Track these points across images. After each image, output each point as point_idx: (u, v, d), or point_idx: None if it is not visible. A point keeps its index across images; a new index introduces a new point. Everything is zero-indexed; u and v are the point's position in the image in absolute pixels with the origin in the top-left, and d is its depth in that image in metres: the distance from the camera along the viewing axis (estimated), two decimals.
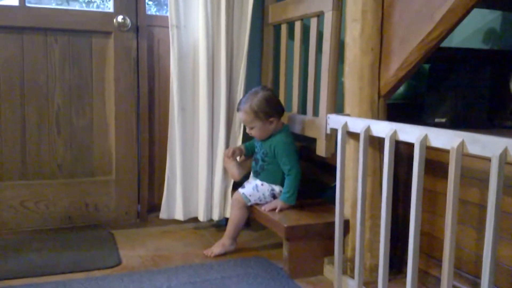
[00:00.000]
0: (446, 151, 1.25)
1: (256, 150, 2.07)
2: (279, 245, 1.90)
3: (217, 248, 1.97)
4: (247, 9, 2.16)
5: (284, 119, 2.10)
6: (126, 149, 2.23)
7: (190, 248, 2.04)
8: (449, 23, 1.45)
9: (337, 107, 1.89)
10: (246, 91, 2.13)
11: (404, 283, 1.40)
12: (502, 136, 1.13)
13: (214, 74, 2.14)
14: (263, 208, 1.93)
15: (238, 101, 2.17)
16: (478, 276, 1.42)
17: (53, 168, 2.16)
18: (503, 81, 2.02)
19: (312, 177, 2.22)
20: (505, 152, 1.11)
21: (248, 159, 2.14)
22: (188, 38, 2.12)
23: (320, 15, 1.93)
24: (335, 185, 1.71)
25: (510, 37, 2.44)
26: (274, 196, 1.99)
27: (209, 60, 2.11)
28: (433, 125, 1.47)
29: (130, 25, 2.16)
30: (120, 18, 2.14)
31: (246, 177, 2.13)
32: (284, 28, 2.23)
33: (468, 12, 1.42)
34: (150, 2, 2.64)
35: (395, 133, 1.42)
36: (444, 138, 1.27)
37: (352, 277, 1.66)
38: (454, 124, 1.84)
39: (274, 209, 1.91)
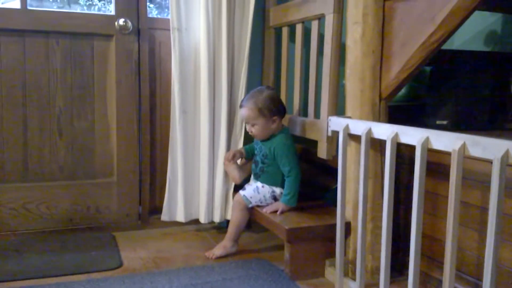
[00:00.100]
0: (448, 153, 1.26)
1: (255, 152, 2.07)
2: (280, 247, 1.90)
3: (218, 250, 1.97)
4: (248, 12, 2.16)
5: (285, 121, 2.11)
6: (128, 151, 2.24)
7: (192, 250, 2.04)
8: (450, 26, 1.45)
9: (338, 110, 1.89)
10: (247, 93, 2.14)
11: (406, 285, 1.40)
12: (504, 139, 1.13)
13: (215, 77, 2.14)
14: (264, 210, 1.93)
15: (239, 104, 2.18)
16: (479, 278, 1.42)
17: (55, 170, 2.16)
18: (504, 83, 2.03)
19: (313, 179, 2.22)
20: (506, 154, 1.11)
21: (249, 162, 2.14)
22: (189, 41, 2.12)
23: (321, 18, 1.94)
24: (336, 187, 1.72)
25: (511, 39, 2.45)
26: (275, 198, 1.99)
27: (210, 63, 2.11)
28: (434, 127, 1.47)
29: (131, 28, 2.16)
30: (121, 21, 2.14)
31: (247, 180, 2.13)
32: (285, 31, 2.24)
33: (469, 14, 1.42)
34: (151, 5, 2.65)
35: (396, 135, 1.42)
36: (445, 141, 1.27)
37: (354, 279, 1.66)
38: (455, 126, 1.84)
39: (275, 211, 1.91)
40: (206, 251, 2.00)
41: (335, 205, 1.70)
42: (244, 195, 1.99)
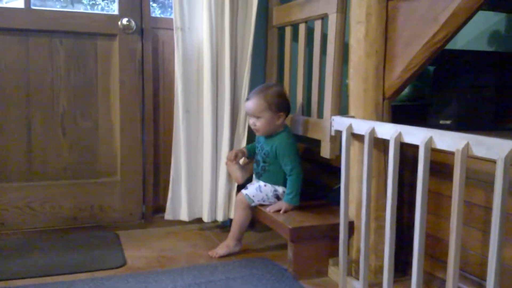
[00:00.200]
0: (451, 153, 1.26)
1: (256, 151, 2.08)
2: (284, 246, 1.90)
3: (221, 249, 1.98)
4: (251, 11, 2.17)
5: (288, 120, 2.11)
6: (131, 151, 2.24)
7: (195, 249, 2.04)
8: (453, 26, 1.45)
9: (342, 109, 1.89)
10: (247, 97, 2.14)
11: (409, 285, 1.41)
12: (507, 138, 1.13)
13: (218, 76, 2.15)
14: (267, 209, 1.94)
15: (242, 103, 2.19)
16: (483, 278, 1.42)
17: (59, 169, 2.17)
18: (508, 83, 2.03)
19: (315, 178, 2.23)
20: (510, 154, 1.11)
21: (251, 162, 2.14)
22: (192, 40, 2.13)
23: (324, 18, 1.94)
24: (339, 187, 1.72)
25: None
26: (277, 197, 1.99)
27: (213, 63, 2.12)
28: (437, 127, 1.47)
29: (135, 27, 2.17)
30: (125, 20, 2.15)
31: (249, 180, 2.14)
32: (288, 31, 2.24)
33: (472, 14, 1.42)
34: (155, 5, 2.66)
35: (399, 135, 1.43)
36: (449, 140, 1.27)
37: (357, 278, 1.66)
38: (459, 126, 1.84)
39: (278, 211, 1.92)
40: (209, 250, 2.00)
41: (338, 205, 1.71)
42: (246, 194, 1.99)
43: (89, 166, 2.22)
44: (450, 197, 1.27)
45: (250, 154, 2.13)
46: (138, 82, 2.22)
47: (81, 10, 2.40)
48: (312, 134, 2.01)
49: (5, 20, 2.02)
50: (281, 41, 2.34)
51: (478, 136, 1.20)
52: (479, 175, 1.44)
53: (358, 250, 1.68)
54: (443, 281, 1.47)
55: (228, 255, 1.97)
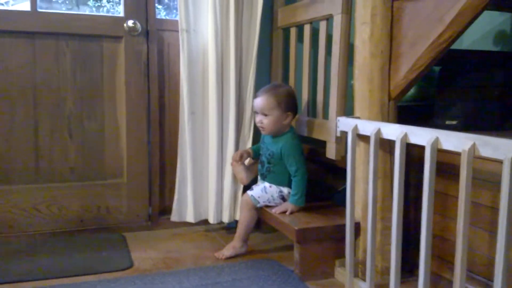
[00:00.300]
0: (457, 153, 1.25)
1: (261, 152, 2.08)
2: (290, 248, 1.90)
3: (228, 251, 1.98)
4: (256, 12, 2.17)
5: (293, 121, 2.11)
6: (137, 152, 2.25)
7: (201, 251, 2.05)
8: (459, 26, 1.45)
9: (347, 110, 1.89)
10: (255, 94, 2.14)
11: (416, 286, 1.40)
12: None
13: (224, 78, 2.15)
14: (273, 211, 1.94)
15: (247, 104, 2.19)
16: (490, 278, 1.42)
17: (65, 171, 2.18)
18: None
19: (321, 179, 2.23)
20: None
21: (256, 163, 2.15)
22: (197, 42, 2.13)
23: (329, 18, 1.94)
24: (344, 188, 1.72)
25: None
26: (283, 198, 2.00)
27: (218, 64, 2.12)
28: (443, 128, 1.47)
29: (140, 29, 2.18)
30: (130, 22, 2.16)
31: (254, 181, 2.14)
32: (293, 32, 2.24)
33: (478, 14, 1.42)
34: (160, 6, 2.66)
35: (405, 136, 1.42)
36: (455, 141, 1.27)
37: (364, 279, 1.66)
38: (465, 126, 1.84)
39: (284, 212, 1.92)
40: (215, 251, 2.00)
41: (344, 206, 1.71)
42: (252, 195, 2.00)
43: (96, 168, 2.23)
44: (456, 197, 1.27)
45: (256, 154, 2.13)
46: (143, 84, 2.23)
47: (87, 13, 2.41)
48: (317, 135, 2.01)
49: (12, 23, 2.03)
50: (286, 42, 2.34)
51: (485, 136, 1.20)
52: (486, 176, 1.44)
53: (365, 251, 1.67)
54: (450, 282, 1.47)
55: (234, 256, 1.97)
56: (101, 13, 2.47)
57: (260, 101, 1.95)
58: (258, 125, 1.99)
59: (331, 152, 1.89)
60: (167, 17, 2.54)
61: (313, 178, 2.01)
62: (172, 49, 2.27)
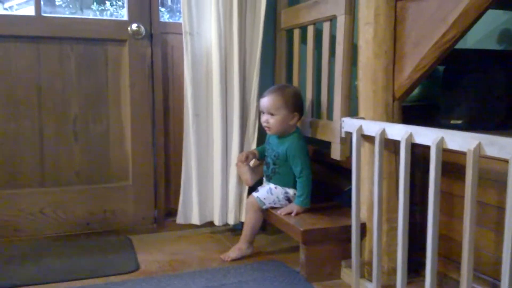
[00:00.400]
0: (463, 153, 1.25)
1: (267, 153, 2.08)
2: (296, 249, 1.90)
3: (233, 253, 1.98)
4: (260, 14, 2.17)
5: (298, 122, 2.11)
6: (142, 155, 2.26)
7: (207, 253, 2.05)
8: (462, 26, 1.45)
9: (351, 111, 1.89)
10: (259, 96, 2.15)
11: (423, 286, 1.40)
12: None
13: (227, 80, 2.16)
14: (278, 212, 1.94)
15: (251, 106, 2.19)
16: (497, 278, 1.41)
17: (71, 175, 2.19)
18: None
19: (326, 180, 2.22)
20: None
21: (261, 164, 2.15)
22: (201, 44, 2.14)
23: (332, 19, 1.94)
24: (349, 189, 1.72)
25: None
26: (288, 199, 2.00)
27: (222, 66, 2.13)
28: (448, 127, 1.47)
29: (144, 32, 2.18)
30: (134, 26, 2.16)
31: (259, 182, 2.14)
32: (296, 33, 2.24)
33: (481, 14, 1.42)
34: (163, 9, 2.67)
35: (410, 136, 1.42)
36: (460, 141, 1.27)
37: (370, 280, 1.65)
38: (470, 126, 1.83)
39: (289, 213, 1.92)
40: (221, 253, 2.01)
41: (350, 206, 1.70)
42: (257, 197, 2.00)
43: (101, 171, 2.23)
44: (462, 197, 1.26)
45: (261, 156, 2.14)
46: (148, 87, 2.23)
47: (91, 17, 2.42)
48: (321, 136, 2.01)
49: (17, 28, 2.04)
50: (289, 44, 2.34)
51: (490, 135, 1.20)
52: (492, 175, 1.44)
53: (371, 252, 1.67)
54: (457, 282, 1.47)
55: (240, 258, 1.97)
56: (105, 17, 2.47)
57: (267, 101, 1.96)
58: (264, 124, 1.99)
59: (335, 153, 1.89)
60: (171, 20, 2.55)
61: (318, 179, 2.01)
62: (176, 51, 2.28)
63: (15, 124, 2.09)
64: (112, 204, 2.24)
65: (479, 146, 1.21)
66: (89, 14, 2.50)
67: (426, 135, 1.37)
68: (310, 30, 2.10)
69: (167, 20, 2.50)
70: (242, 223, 2.12)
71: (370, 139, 1.65)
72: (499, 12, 2.44)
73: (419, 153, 1.69)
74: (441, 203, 1.38)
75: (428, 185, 1.35)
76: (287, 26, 2.30)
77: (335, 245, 1.80)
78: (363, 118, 1.71)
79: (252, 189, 2.10)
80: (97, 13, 2.70)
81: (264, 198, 1.99)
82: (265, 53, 2.27)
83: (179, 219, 2.19)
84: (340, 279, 1.80)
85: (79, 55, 2.15)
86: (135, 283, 1.72)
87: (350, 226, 1.70)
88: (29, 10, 2.09)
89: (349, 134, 1.75)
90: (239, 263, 1.94)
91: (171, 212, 2.30)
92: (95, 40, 2.16)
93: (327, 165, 2.11)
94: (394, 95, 1.68)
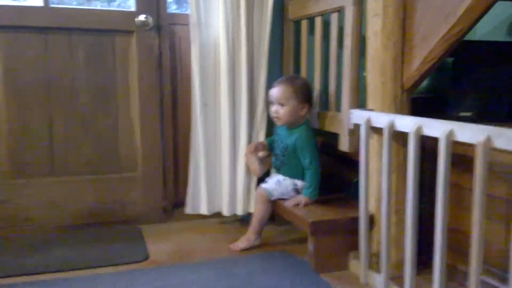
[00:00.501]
0: (472, 145, 1.25)
1: (275, 145, 2.09)
2: (304, 240, 1.92)
3: (242, 243, 2.00)
4: (267, 5, 2.17)
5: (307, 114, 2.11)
6: (151, 146, 2.27)
7: (216, 243, 2.07)
8: (471, 17, 1.44)
9: (359, 102, 1.89)
10: (267, 87, 2.15)
11: (431, 278, 1.41)
12: None
13: (235, 71, 2.16)
14: (287, 203, 1.95)
15: (259, 97, 2.20)
16: (506, 270, 1.42)
17: (81, 165, 2.21)
18: None
19: (334, 172, 2.23)
20: None
21: (270, 155, 2.16)
22: (208, 35, 2.14)
23: (340, 11, 1.93)
24: (358, 180, 1.72)
25: None
26: (297, 191, 2.01)
27: (229, 57, 2.13)
28: (457, 119, 1.46)
29: (152, 23, 2.18)
30: (142, 17, 2.17)
31: (268, 174, 2.15)
32: (304, 24, 2.23)
33: (490, 6, 1.41)
34: (170, 0, 2.66)
35: (419, 128, 1.42)
36: (470, 133, 1.27)
37: (378, 271, 1.66)
38: (480, 118, 1.83)
39: (298, 205, 1.93)
40: (230, 243, 2.02)
41: (358, 198, 1.71)
42: (266, 188, 2.01)
43: (111, 161, 2.25)
44: (471, 189, 1.27)
45: (270, 147, 2.15)
46: (156, 78, 2.24)
47: (98, 7, 2.42)
48: (329, 128, 2.01)
49: (25, 19, 2.05)
50: (297, 35, 2.33)
51: (500, 128, 1.20)
52: (501, 167, 1.44)
53: (379, 243, 1.68)
54: (466, 274, 1.47)
55: (249, 248, 1.99)
56: (113, 8, 2.47)
57: (277, 91, 1.96)
58: (274, 115, 1.99)
59: (344, 145, 1.89)
60: (178, 11, 2.54)
61: (326, 170, 2.01)
62: (183, 42, 2.28)
63: (24, 115, 2.11)
64: (121, 195, 2.26)
65: (488, 138, 1.21)
66: (96, 5, 2.49)
67: (435, 127, 1.37)
68: (318, 21, 2.09)
69: (174, 11, 2.49)
70: (250, 214, 2.14)
71: (378, 131, 1.65)
72: (508, 3, 2.42)
73: (428, 145, 1.69)
74: (450, 195, 1.38)
75: (436, 177, 1.35)
76: (295, 17, 2.29)
77: (343, 236, 1.81)
78: (371, 110, 1.71)
79: (261, 180, 2.11)
80: (105, 4, 2.69)
81: (273, 190, 2.00)
82: (273, 44, 2.26)
83: (188, 209, 2.21)
84: (348, 270, 1.81)
85: (87, 46, 2.16)
86: (145, 272, 1.75)
87: (358, 218, 1.71)
88: (37, 1, 2.09)
89: (357, 126, 1.75)
90: (247, 253, 1.96)
91: (180, 203, 2.31)
92: (103, 31, 2.17)
93: (336, 156, 2.12)
94: (402, 86, 1.68)
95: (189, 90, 2.20)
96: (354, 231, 1.74)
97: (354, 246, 1.76)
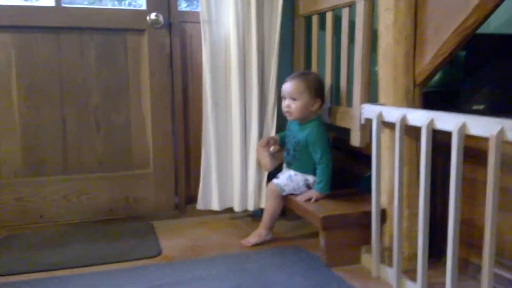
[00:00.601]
0: (485, 138, 1.25)
1: (287, 140, 2.09)
2: (315, 235, 1.92)
3: (254, 238, 2.01)
4: (278, 1, 2.17)
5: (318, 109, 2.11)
6: (163, 143, 2.29)
7: (227, 238, 2.08)
8: (485, 10, 1.42)
9: (371, 97, 1.88)
10: (278, 83, 2.16)
11: (443, 271, 1.41)
12: None
13: (246, 68, 2.17)
14: (298, 198, 1.95)
15: (270, 93, 2.20)
16: None
17: (94, 163, 2.23)
18: None
19: (346, 167, 2.23)
20: None
21: (281, 150, 2.16)
22: (219, 33, 2.15)
23: (351, 5, 1.93)
24: (370, 175, 1.72)
25: None
26: (308, 186, 2.01)
27: (240, 54, 2.13)
28: (470, 113, 1.46)
29: (162, 22, 2.20)
30: (153, 15, 2.18)
31: (279, 169, 2.16)
32: (315, 19, 2.23)
33: None
34: None
35: (432, 121, 1.42)
36: (483, 126, 1.26)
37: (390, 265, 1.66)
38: (492, 111, 1.81)
39: (309, 200, 1.93)
40: (241, 239, 2.03)
41: (370, 193, 1.71)
42: (277, 184, 2.01)
43: (123, 159, 2.27)
44: (484, 182, 1.26)
45: (282, 142, 2.15)
46: (167, 76, 2.25)
47: (109, 6, 2.44)
48: (341, 123, 2.01)
49: (37, 19, 2.07)
50: (308, 30, 2.33)
51: None
52: None
53: (391, 237, 1.68)
54: (479, 267, 1.47)
55: (260, 243, 2.00)
56: (124, 7, 2.49)
57: (289, 85, 1.97)
58: (285, 110, 2.00)
59: (355, 140, 1.89)
60: (189, 9, 2.55)
61: (337, 165, 2.01)
62: (194, 40, 2.29)
63: (38, 114, 2.13)
64: (134, 191, 2.28)
65: (502, 131, 1.20)
66: (107, 4, 2.51)
67: (448, 121, 1.36)
68: (329, 16, 2.09)
69: (185, 9, 2.50)
70: (261, 209, 2.15)
71: (390, 125, 1.65)
72: None
73: (440, 138, 1.69)
74: (462, 188, 1.37)
75: (449, 170, 1.35)
76: (305, 12, 2.29)
77: (355, 231, 1.81)
78: (383, 104, 1.70)
79: (272, 175, 2.12)
80: (116, 2, 2.72)
81: (284, 185, 2.00)
82: (284, 40, 2.27)
83: (199, 205, 2.22)
84: (360, 264, 1.81)
85: (99, 45, 2.18)
86: (158, 267, 1.76)
87: (370, 212, 1.71)
88: (49, 1, 2.11)
89: (369, 121, 1.75)
90: (259, 248, 1.96)
91: (192, 199, 2.33)
92: (114, 30, 2.18)
93: (347, 151, 2.12)
94: (415, 81, 1.67)
95: (200, 87, 2.22)
96: (366, 226, 1.74)
97: (366, 240, 1.76)
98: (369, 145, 1.80)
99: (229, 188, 2.24)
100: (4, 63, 2.07)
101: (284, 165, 2.12)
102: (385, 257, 1.73)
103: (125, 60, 2.22)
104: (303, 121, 2.00)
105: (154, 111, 2.26)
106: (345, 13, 1.96)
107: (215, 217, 2.32)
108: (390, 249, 1.69)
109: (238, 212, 2.26)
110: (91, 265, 1.79)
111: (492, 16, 1.55)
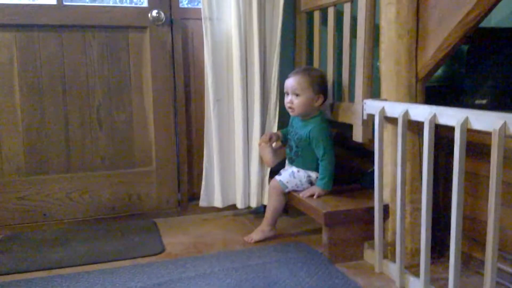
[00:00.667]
0: (488, 133, 1.24)
1: (290, 136, 2.09)
2: (318, 231, 1.92)
3: (256, 235, 2.01)
4: None
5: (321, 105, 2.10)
6: (165, 140, 2.29)
7: (230, 235, 2.08)
8: (487, 4, 1.42)
9: (373, 92, 1.88)
10: (280, 79, 2.15)
11: (446, 266, 1.40)
12: None
13: (248, 64, 2.16)
14: (301, 195, 1.95)
15: (272, 90, 2.20)
16: None
17: (96, 161, 2.23)
18: None
19: (348, 163, 2.22)
20: None
21: (283, 146, 2.16)
22: (221, 29, 2.14)
23: (353, 0, 1.92)
24: (372, 170, 1.72)
25: None
26: (311, 182, 2.00)
27: (242, 51, 2.13)
28: (473, 107, 1.45)
29: (164, 19, 2.20)
30: (154, 12, 2.18)
31: (282, 166, 2.15)
32: (317, 15, 2.22)
33: None
34: None
35: (434, 116, 1.41)
36: (485, 120, 1.25)
37: (393, 261, 1.66)
38: (495, 105, 1.81)
39: (312, 196, 1.93)
40: (244, 235, 2.03)
41: (372, 188, 1.71)
42: (280, 180, 2.01)
43: (125, 156, 2.27)
44: (487, 177, 1.26)
45: (284, 138, 2.15)
46: (169, 73, 2.25)
47: (111, 4, 2.44)
48: (343, 118, 2.00)
49: (39, 17, 2.08)
50: (309, 26, 2.33)
51: None
52: None
53: (394, 233, 1.67)
54: (482, 262, 1.46)
55: (263, 240, 2.00)
56: (125, 4, 2.49)
57: (292, 81, 1.96)
58: (288, 105, 1.99)
59: (357, 135, 1.88)
60: (190, 6, 2.55)
61: (340, 161, 2.01)
62: (196, 37, 2.29)
63: (40, 112, 2.14)
64: (136, 189, 2.28)
65: (504, 126, 1.20)
66: (109, 2, 2.51)
67: (451, 116, 1.36)
68: (331, 11, 2.08)
69: (186, 6, 2.50)
70: (264, 206, 2.15)
71: (392, 120, 1.64)
72: None
73: (443, 133, 1.68)
74: (465, 183, 1.37)
75: (452, 165, 1.34)
76: (307, 8, 2.28)
77: (358, 226, 1.81)
78: (385, 100, 1.69)
79: (274, 172, 2.12)
80: (117, 0, 2.71)
81: (287, 182, 2.00)
82: (285, 36, 2.26)
83: (202, 202, 2.22)
84: (363, 259, 1.81)
85: (101, 43, 2.18)
86: (161, 264, 1.76)
87: (372, 208, 1.71)
88: None
89: (371, 116, 1.75)
90: (262, 244, 1.96)
91: (194, 196, 2.33)
92: (116, 27, 2.18)
93: (349, 147, 2.11)
94: (417, 75, 1.66)
95: (202, 84, 2.22)
96: (369, 221, 1.74)
97: (369, 236, 1.76)
98: (371, 140, 1.80)
99: (231, 184, 2.24)
100: (6, 61, 2.07)
101: (287, 161, 2.12)
102: (388, 252, 1.72)
103: (127, 58, 2.22)
104: (305, 117, 2.00)
105: (156, 108, 2.26)
106: (347, 8, 1.96)
107: (218, 214, 2.32)
108: (393, 245, 1.69)
109: (240, 209, 2.26)
110: (94, 263, 1.79)
111: (494, 10, 1.54)
